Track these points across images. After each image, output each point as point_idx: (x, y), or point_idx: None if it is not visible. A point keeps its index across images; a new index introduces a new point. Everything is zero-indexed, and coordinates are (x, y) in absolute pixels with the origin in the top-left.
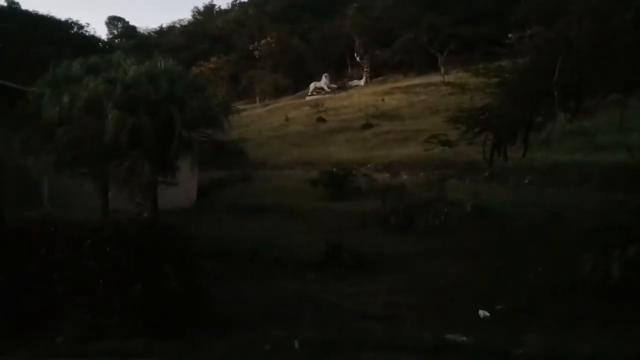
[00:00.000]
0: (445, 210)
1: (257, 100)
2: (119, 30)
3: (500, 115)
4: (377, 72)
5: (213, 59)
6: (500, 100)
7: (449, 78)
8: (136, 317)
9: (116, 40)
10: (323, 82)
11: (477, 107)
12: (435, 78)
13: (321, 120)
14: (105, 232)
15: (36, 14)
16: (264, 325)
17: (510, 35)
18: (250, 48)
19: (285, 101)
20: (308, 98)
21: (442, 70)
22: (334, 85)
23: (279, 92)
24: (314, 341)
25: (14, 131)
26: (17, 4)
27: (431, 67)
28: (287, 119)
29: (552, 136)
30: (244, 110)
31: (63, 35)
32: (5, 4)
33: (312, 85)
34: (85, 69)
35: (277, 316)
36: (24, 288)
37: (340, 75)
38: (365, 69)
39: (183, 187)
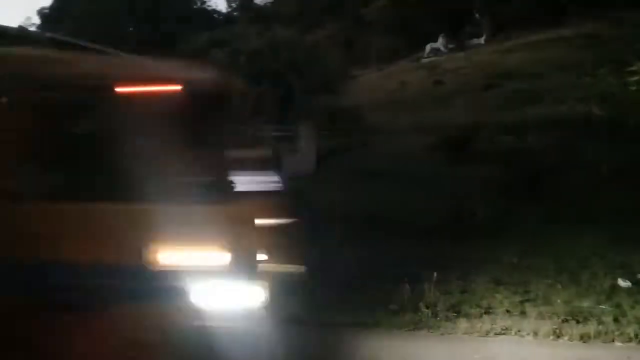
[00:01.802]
0: (578, 174)
1: (372, 65)
2: (237, 2)
3: None
4: (499, 28)
5: (327, 26)
6: None
7: (582, 30)
8: None
9: (235, 13)
10: (440, 42)
11: (617, 60)
12: (565, 32)
13: (439, 82)
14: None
15: None
16: (386, 287)
17: None
18: (363, 12)
19: (400, 65)
20: (424, 60)
21: (573, 22)
22: (451, 46)
23: (394, 56)
24: (439, 304)
25: None
26: None
27: (559, 20)
28: (403, 83)
29: None
30: (359, 75)
31: (187, 11)
32: None
33: (428, 47)
34: (212, 42)
35: (399, 279)
36: None
37: (458, 34)
38: (485, 26)
39: (303, 153)
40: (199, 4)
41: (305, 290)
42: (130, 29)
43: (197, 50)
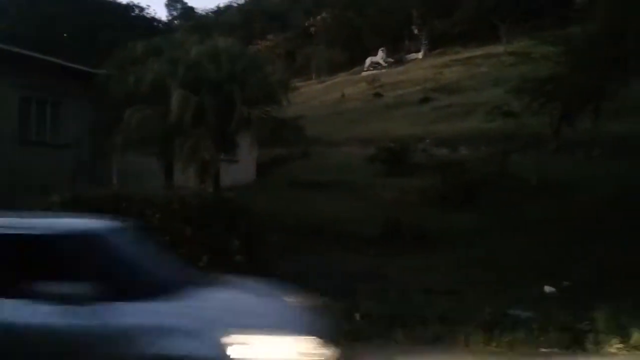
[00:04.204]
0: (508, 184)
1: (314, 77)
2: (178, 11)
3: (568, 84)
4: (436, 44)
5: (269, 37)
6: (569, 69)
7: (512, 48)
8: None
9: (175, 22)
10: (379, 56)
11: (543, 77)
12: (497, 49)
13: (378, 95)
14: (173, 206)
15: None
16: (324, 298)
17: None
18: (306, 24)
19: (341, 77)
20: (364, 73)
21: (505, 39)
22: (390, 60)
23: (335, 68)
24: (374, 314)
25: (85, 112)
26: None
27: (493, 37)
28: (343, 95)
29: (624, 105)
30: (301, 87)
31: (126, 19)
32: None
33: (368, 60)
34: (150, 50)
35: (338, 289)
36: None
37: (397, 48)
38: (423, 42)
39: (243, 164)
40: (137, 11)
41: None
42: (65, 35)
43: (134, 58)
